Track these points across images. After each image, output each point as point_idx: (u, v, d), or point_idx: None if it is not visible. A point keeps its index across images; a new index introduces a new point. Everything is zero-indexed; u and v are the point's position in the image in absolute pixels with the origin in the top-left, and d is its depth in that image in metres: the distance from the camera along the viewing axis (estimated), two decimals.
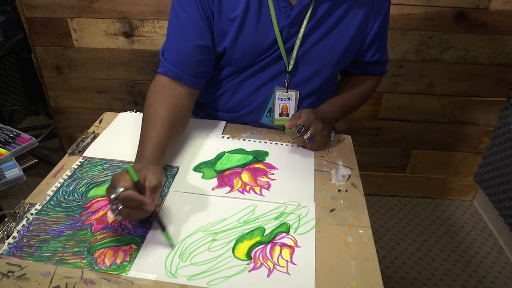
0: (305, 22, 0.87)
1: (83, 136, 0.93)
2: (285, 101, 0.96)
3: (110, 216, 0.65)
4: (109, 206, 0.64)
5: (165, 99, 0.85)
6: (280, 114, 0.97)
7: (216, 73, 0.97)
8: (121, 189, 0.62)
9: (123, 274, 0.60)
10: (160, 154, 0.77)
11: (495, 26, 1.46)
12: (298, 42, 0.88)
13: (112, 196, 0.62)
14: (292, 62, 0.91)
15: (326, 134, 0.89)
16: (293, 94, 0.95)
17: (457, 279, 1.51)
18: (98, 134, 0.94)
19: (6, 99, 2.22)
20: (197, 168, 0.84)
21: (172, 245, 0.65)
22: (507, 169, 1.53)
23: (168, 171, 0.82)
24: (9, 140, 1.13)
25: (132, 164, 0.72)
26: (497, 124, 1.63)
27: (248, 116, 0.99)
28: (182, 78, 0.88)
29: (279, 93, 0.94)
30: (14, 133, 1.16)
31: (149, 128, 0.80)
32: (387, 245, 1.65)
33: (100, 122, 0.99)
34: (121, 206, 0.62)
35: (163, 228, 0.66)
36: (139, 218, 0.67)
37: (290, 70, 0.91)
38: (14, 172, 1.05)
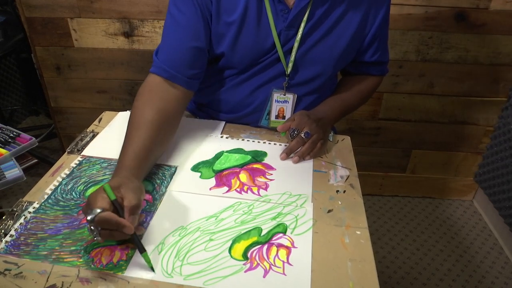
0: (302, 25, 0.86)
1: (82, 135, 0.93)
2: (282, 103, 0.95)
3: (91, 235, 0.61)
4: (87, 226, 0.61)
5: (154, 101, 0.82)
6: (277, 116, 0.97)
7: (216, 73, 0.97)
8: (98, 210, 0.58)
9: (119, 273, 0.60)
10: (141, 161, 0.73)
11: (495, 26, 1.45)
12: (296, 44, 0.88)
13: (89, 218, 0.58)
14: (290, 65, 0.90)
15: (320, 134, 0.88)
16: (290, 97, 0.95)
17: (457, 279, 1.51)
18: (97, 133, 0.94)
19: (6, 99, 2.23)
20: (195, 168, 0.84)
21: (152, 269, 0.60)
22: (507, 169, 1.53)
23: (166, 171, 0.82)
24: (9, 140, 1.14)
25: (108, 181, 0.66)
26: (497, 124, 1.63)
27: (247, 117, 0.99)
28: (175, 78, 0.85)
29: (276, 95, 0.94)
30: (14, 133, 1.17)
31: (133, 133, 0.76)
32: (387, 245, 1.64)
33: (99, 121, 0.99)
34: (100, 228, 0.59)
35: (141, 251, 0.61)
36: (120, 239, 0.63)
37: (288, 72, 0.91)
38: (14, 172, 1.05)
